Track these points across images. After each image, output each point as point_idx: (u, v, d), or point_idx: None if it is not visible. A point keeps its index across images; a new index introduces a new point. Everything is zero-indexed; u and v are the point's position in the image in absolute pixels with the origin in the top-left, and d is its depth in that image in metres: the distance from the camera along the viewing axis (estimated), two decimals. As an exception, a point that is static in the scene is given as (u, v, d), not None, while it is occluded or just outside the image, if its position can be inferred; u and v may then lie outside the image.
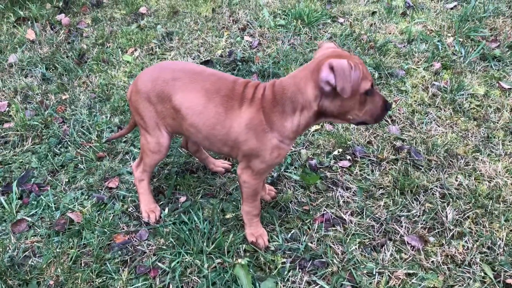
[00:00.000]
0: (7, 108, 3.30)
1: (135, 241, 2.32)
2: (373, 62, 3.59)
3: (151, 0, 4.76)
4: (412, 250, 2.25)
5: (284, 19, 4.30)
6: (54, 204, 2.53)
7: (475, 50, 3.69)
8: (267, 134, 1.96)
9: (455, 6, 4.45)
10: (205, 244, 2.24)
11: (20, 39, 4.11)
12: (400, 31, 4.07)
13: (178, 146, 2.88)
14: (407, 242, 2.28)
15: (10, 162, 2.84)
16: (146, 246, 2.29)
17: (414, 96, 3.25)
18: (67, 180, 2.70)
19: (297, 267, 2.17)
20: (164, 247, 2.26)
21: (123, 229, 2.38)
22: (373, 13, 4.38)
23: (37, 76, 3.63)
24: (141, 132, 2.30)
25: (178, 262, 2.18)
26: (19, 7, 4.60)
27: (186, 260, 2.19)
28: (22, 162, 2.84)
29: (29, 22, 4.37)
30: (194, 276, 2.12)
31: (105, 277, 2.14)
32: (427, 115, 3.08)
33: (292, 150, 2.84)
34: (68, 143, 2.95)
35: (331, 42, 2.03)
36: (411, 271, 2.14)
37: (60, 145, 2.95)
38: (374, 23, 4.18)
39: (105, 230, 2.35)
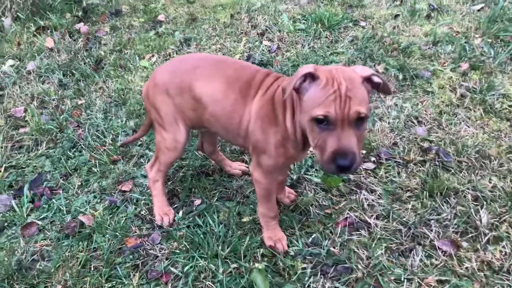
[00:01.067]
0: (24, 114, 3.26)
1: (148, 245, 2.21)
2: (397, 64, 3.45)
3: (170, 8, 4.73)
4: (444, 255, 2.07)
5: (303, 23, 4.20)
6: (66, 207, 2.44)
7: (505, 51, 3.51)
8: (272, 127, 1.84)
9: (482, 7, 4.28)
10: (220, 248, 2.11)
11: (39, 47, 4.11)
12: (424, 33, 3.92)
13: (194, 149, 2.78)
14: (438, 247, 2.10)
15: (24, 166, 2.78)
16: (159, 250, 2.17)
17: (441, 97, 3.09)
18: (79, 183, 2.62)
19: (319, 273, 2.02)
20: (177, 251, 2.14)
21: (135, 232, 2.27)
22: (396, 16, 4.25)
23: (54, 82, 3.59)
24: (156, 129, 2.20)
25: (191, 267, 2.05)
26: (39, 17, 4.62)
27: (200, 264, 2.06)
28: (35, 166, 2.77)
29: (48, 31, 4.38)
30: (208, 281, 1.99)
31: (114, 282, 2.03)
32: (456, 116, 2.91)
33: (311, 152, 2.71)
34: (82, 146, 2.88)
35: (367, 68, 1.68)
36: (443, 278, 1.97)
37: (74, 149, 2.88)
38: (397, 26, 4.05)
39: (117, 233, 2.25)
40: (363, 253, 2.09)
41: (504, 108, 2.96)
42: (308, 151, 2.06)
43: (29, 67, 3.84)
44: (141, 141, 2.88)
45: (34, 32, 4.36)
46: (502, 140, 2.69)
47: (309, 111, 1.59)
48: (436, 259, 2.06)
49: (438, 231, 2.18)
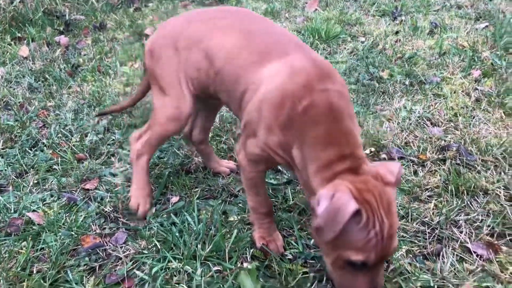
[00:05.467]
0: (-17, 115, 2.87)
1: (109, 245, 1.76)
2: (402, 71, 3.15)
3: (158, 23, 4.48)
4: (480, 259, 1.65)
5: (299, 36, 3.94)
6: (14, 205, 2.01)
7: (517, 62, 3.24)
8: (276, 126, 1.46)
9: (486, 26, 4.07)
10: (199, 247, 1.68)
11: (12, 54, 3.78)
12: (428, 47, 3.65)
13: (176, 147, 2.39)
14: (472, 250, 1.69)
15: (-28, 165, 2.36)
16: (122, 251, 1.73)
17: (455, 100, 2.76)
18: (36, 181, 2.19)
19: (324, 279, 1.58)
20: (145, 252, 1.70)
21: (95, 231, 1.83)
22: (397, 32, 4.01)
23: (23, 86, 3.23)
24: (156, 95, 1.84)
25: (161, 269, 1.60)
26: (17, 30, 4.32)
27: (173, 266, 1.61)
28: (-14, 165, 2.35)
29: (25, 41, 4.07)
30: (182, 286, 1.54)
31: (61, 287, 1.57)
32: (474, 118, 2.57)
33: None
34: (45, 144, 2.47)
35: (392, 165, 1.39)
36: (483, 284, 1.54)
37: (35, 148, 2.47)
38: (399, 40, 3.79)
39: (72, 232, 1.81)
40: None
41: (526, 112, 2.63)
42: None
43: (-2, 73, 3.49)
44: (113, 139, 2.49)
45: (9, 42, 4.04)
46: (530, 140, 2.34)
47: (341, 250, 1.29)
48: (470, 264, 1.64)
49: (469, 233, 1.77)
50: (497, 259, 1.65)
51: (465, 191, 1.97)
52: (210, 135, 2.47)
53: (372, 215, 1.23)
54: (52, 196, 2.08)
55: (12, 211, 1.98)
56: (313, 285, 1.56)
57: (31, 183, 2.17)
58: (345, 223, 1.19)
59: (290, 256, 1.69)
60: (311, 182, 1.37)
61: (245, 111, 1.56)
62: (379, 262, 1.30)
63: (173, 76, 1.73)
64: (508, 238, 1.75)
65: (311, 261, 1.67)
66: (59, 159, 2.33)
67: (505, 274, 1.58)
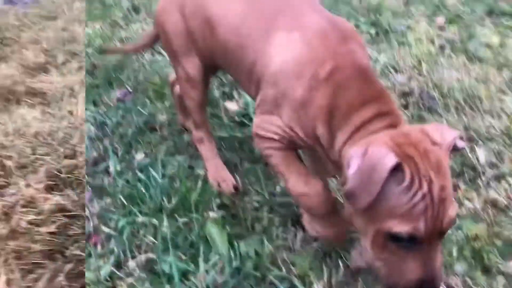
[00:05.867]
0: None
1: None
2: (367, 21, 3.15)
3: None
4: (440, 198, 1.71)
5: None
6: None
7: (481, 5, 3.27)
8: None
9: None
10: (165, 200, 1.68)
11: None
12: (393, -3, 3.65)
13: (140, 105, 2.36)
14: (432, 189, 1.74)
15: None
16: (88, 210, 1.72)
17: (419, 48, 2.78)
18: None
19: (289, 223, 1.62)
20: (112, 209, 1.70)
21: (60, 192, 1.82)
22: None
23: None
24: (171, 62, 1.82)
25: (128, 223, 1.61)
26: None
27: (140, 220, 1.62)
28: None
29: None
30: (148, 237, 1.55)
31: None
32: (437, 64, 2.60)
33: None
34: None
35: (446, 128, 1.13)
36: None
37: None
38: (365, -8, 3.77)
39: (36, 194, 1.79)
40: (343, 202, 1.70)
41: (488, 56, 2.67)
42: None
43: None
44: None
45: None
46: (491, 83, 2.39)
47: (381, 221, 1.01)
48: (431, 202, 1.69)
49: (430, 173, 1.82)
50: (456, 197, 1.71)
51: (426, 134, 2.01)
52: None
53: (417, 173, 0.97)
54: (14, 160, 2.04)
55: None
56: (279, 229, 1.59)
57: (-8, 149, 2.13)
58: (383, 181, 0.95)
59: (256, 204, 1.71)
60: (342, 155, 1.14)
61: (258, 88, 1.40)
62: (433, 238, 1.00)
63: (179, 42, 1.65)
64: (467, 177, 1.81)
65: (277, 207, 1.70)
66: (21, 123, 2.28)
67: (463, 210, 1.64)
